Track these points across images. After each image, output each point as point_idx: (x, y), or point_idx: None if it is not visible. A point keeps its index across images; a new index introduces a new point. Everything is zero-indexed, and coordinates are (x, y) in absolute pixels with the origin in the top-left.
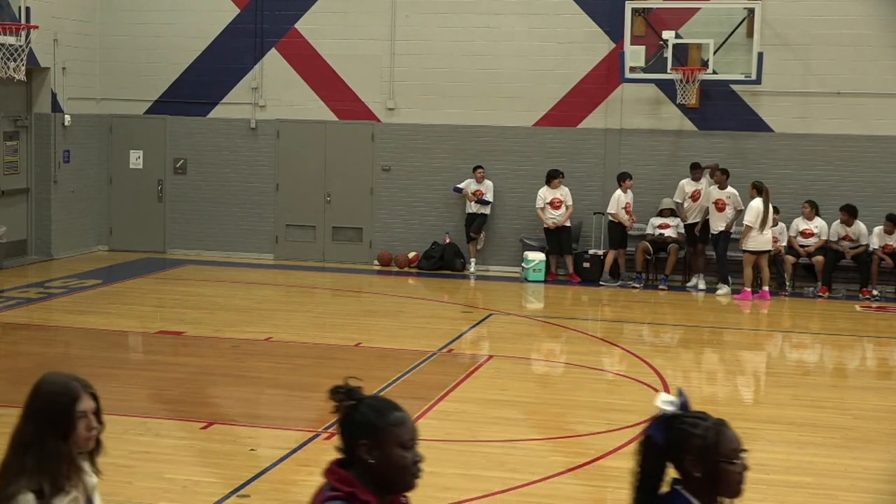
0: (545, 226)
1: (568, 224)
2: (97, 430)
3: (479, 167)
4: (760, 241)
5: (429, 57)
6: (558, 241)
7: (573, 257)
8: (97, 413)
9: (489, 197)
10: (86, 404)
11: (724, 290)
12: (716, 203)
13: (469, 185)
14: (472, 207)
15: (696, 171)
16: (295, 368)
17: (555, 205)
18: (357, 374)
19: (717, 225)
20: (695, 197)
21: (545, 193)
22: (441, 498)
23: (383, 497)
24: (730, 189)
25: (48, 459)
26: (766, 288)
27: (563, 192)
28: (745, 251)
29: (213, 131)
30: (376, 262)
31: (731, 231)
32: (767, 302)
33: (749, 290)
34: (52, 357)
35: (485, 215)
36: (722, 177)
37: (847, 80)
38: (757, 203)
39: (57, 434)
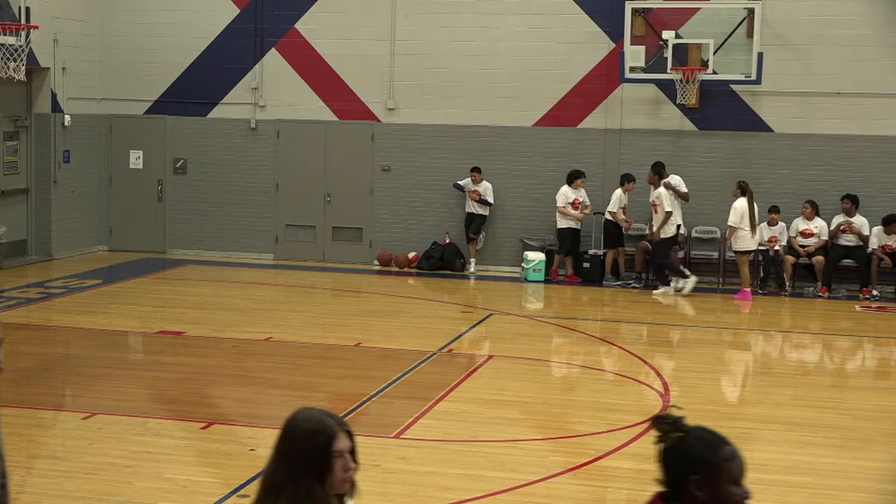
0: (562, 226)
1: (579, 226)
2: (353, 470)
3: (476, 170)
4: (749, 240)
5: (429, 57)
6: (571, 241)
7: (573, 258)
8: (353, 452)
9: (489, 198)
10: (342, 443)
11: (661, 290)
12: (652, 204)
13: (468, 184)
14: (472, 207)
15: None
16: (295, 368)
17: (575, 205)
18: (357, 374)
19: (664, 229)
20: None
21: (568, 193)
22: (441, 498)
23: None
24: (659, 189)
25: (302, 502)
26: (747, 289)
27: (582, 193)
28: (736, 252)
29: (213, 131)
30: (376, 262)
31: (674, 233)
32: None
33: (749, 290)
34: (52, 357)
35: (483, 216)
36: (654, 177)
37: (847, 80)
38: (741, 203)
39: (312, 475)
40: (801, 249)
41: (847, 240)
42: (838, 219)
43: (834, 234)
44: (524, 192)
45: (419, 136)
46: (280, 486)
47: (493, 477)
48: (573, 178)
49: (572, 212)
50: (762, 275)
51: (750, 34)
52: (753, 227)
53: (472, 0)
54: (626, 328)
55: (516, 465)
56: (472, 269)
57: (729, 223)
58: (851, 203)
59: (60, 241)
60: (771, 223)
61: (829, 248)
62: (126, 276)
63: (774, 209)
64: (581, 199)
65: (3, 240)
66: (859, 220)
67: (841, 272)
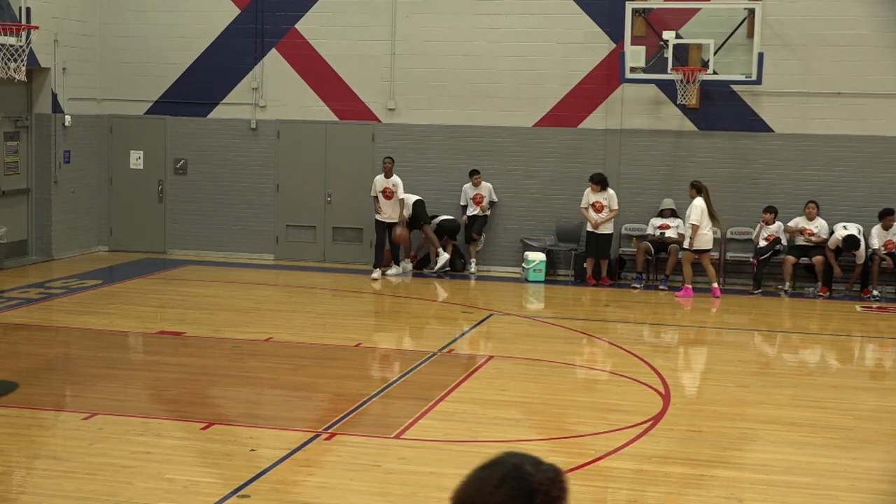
0: (588, 229)
1: (608, 230)
2: None
3: (476, 172)
4: (705, 239)
5: (429, 57)
6: (597, 244)
7: (608, 261)
8: None
9: (494, 197)
10: None
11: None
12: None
13: (467, 191)
14: (473, 209)
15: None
16: (295, 368)
17: (596, 208)
18: (357, 374)
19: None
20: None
21: (589, 195)
22: (441, 498)
23: None
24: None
25: None
26: (715, 285)
27: (607, 195)
28: (687, 250)
29: (213, 131)
30: None
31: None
32: (718, 300)
33: (690, 286)
34: (52, 357)
35: (485, 217)
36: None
37: (847, 80)
38: (700, 202)
39: None
40: (804, 234)
41: (806, 240)
42: (798, 220)
43: (791, 236)
44: (524, 193)
45: (419, 136)
46: None
47: None
48: (591, 182)
49: (590, 215)
50: (755, 273)
51: (750, 34)
52: (716, 223)
53: (471, 0)
54: (627, 328)
55: None
56: (472, 270)
57: (691, 221)
58: (814, 205)
59: (61, 242)
60: (767, 222)
61: (788, 248)
62: (126, 277)
63: (770, 209)
64: (604, 202)
65: (4, 240)
66: (820, 223)
67: (841, 272)
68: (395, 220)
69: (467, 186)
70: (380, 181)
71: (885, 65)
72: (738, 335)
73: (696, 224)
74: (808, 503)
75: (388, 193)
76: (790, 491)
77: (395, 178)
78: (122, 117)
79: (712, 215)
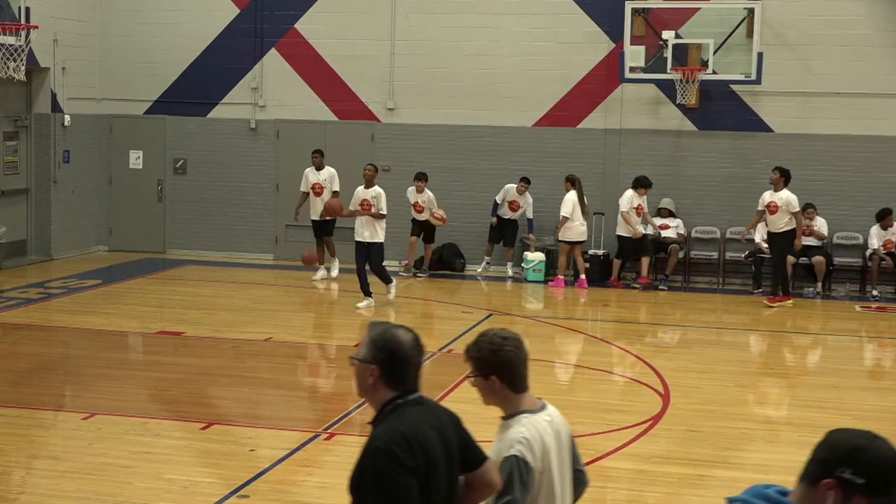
0: (621, 232)
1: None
2: None
3: (526, 181)
4: (577, 231)
5: (429, 57)
6: (636, 247)
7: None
8: None
9: (530, 214)
10: None
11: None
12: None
13: (508, 190)
14: (506, 213)
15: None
16: (295, 368)
17: (639, 211)
18: None
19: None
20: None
21: (633, 198)
22: None
23: None
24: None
25: None
26: (582, 277)
27: (644, 200)
28: (560, 241)
29: (212, 131)
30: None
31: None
32: (585, 290)
33: (562, 277)
34: (52, 357)
35: (515, 221)
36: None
37: (847, 80)
38: (572, 195)
39: None
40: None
41: (808, 241)
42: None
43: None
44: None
45: (419, 136)
46: None
47: None
48: (639, 185)
49: (634, 218)
50: (754, 272)
51: (750, 34)
52: (585, 216)
53: (472, 0)
54: (626, 328)
55: None
56: (480, 269)
57: (562, 213)
58: (812, 209)
59: (60, 242)
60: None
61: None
62: (126, 276)
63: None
64: (644, 206)
65: (3, 240)
66: (819, 222)
67: (841, 272)
68: (377, 241)
69: (511, 187)
70: (360, 192)
71: (886, 65)
72: (737, 335)
73: (567, 216)
74: None
75: (367, 206)
76: None
77: (377, 189)
78: (122, 117)
79: (583, 209)
